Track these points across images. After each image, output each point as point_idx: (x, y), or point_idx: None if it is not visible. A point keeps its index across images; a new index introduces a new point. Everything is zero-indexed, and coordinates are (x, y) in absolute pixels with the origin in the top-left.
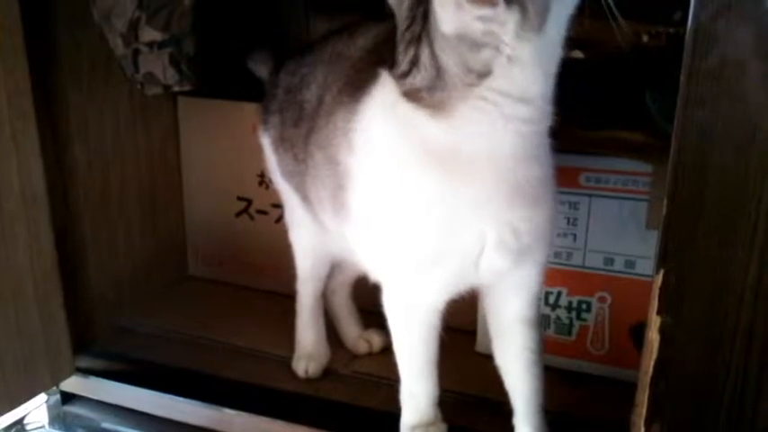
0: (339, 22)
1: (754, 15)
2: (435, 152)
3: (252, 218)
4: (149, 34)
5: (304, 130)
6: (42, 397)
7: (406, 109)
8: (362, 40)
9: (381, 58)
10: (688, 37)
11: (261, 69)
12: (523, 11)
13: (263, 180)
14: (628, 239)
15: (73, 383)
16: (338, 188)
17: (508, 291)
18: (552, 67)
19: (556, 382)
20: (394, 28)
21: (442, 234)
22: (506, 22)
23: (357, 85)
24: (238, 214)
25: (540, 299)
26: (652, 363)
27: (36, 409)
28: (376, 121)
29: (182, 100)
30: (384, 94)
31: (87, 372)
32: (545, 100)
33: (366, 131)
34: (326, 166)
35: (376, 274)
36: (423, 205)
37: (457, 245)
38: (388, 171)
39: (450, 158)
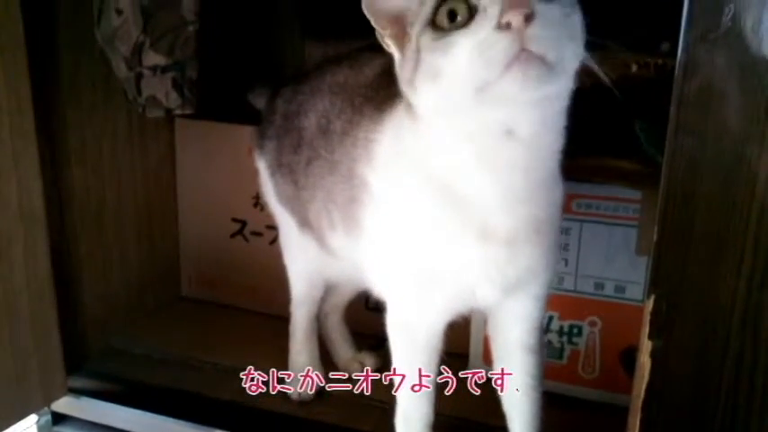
0: (334, 47)
1: (739, 50)
2: (435, 180)
3: (246, 239)
4: (153, 58)
5: (304, 157)
6: (33, 417)
7: (416, 136)
8: (369, 69)
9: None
10: (677, 68)
11: (260, 102)
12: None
13: (258, 202)
14: (618, 265)
15: (64, 404)
16: (351, 202)
17: (509, 319)
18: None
19: (547, 405)
20: None
21: (435, 259)
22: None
23: (380, 100)
24: (233, 235)
25: (541, 328)
26: (644, 386)
27: (26, 430)
28: (393, 136)
29: (178, 122)
30: (402, 113)
31: (79, 392)
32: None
33: (385, 144)
34: (340, 184)
35: (381, 291)
36: (420, 229)
37: (448, 272)
38: (394, 187)
39: (446, 189)
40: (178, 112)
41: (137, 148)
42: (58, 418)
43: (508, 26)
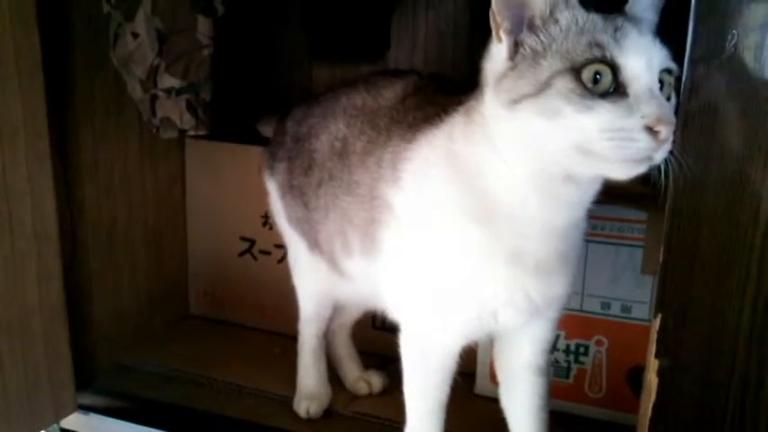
0: (340, 70)
1: (741, 74)
2: (482, 203)
3: (255, 258)
4: (168, 81)
5: (315, 179)
6: None
7: (479, 155)
8: (391, 92)
9: (430, 99)
10: (682, 91)
11: (268, 130)
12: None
13: (267, 221)
14: (624, 285)
15: (74, 420)
16: (370, 222)
17: (521, 340)
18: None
19: (554, 425)
20: (417, 79)
21: (460, 281)
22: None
23: (411, 121)
24: (241, 254)
25: (549, 349)
26: (651, 405)
27: None
28: (428, 155)
29: (189, 142)
30: (451, 133)
31: (88, 409)
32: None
33: (417, 163)
34: (359, 205)
35: (396, 312)
36: (448, 250)
37: (473, 295)
38: (423, 206)
39: (483, 210)
40: (192, 132)
41: (147, 168)
42: None
43: (655, 133)
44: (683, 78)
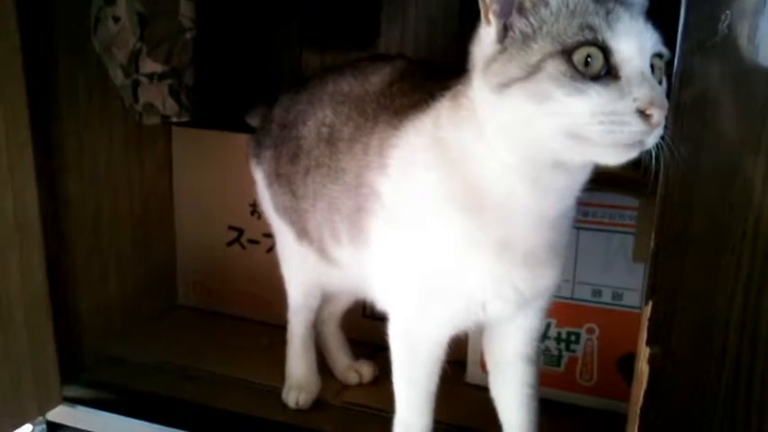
0: (331, 56)
1: (735, 58)
2: (469, 192)
3: (243, 247)
4: (150, 66)
5: (303, 167)
6: (28, 427)
7: (466, 141)
8: (378, 77)
9: (418, 84)
10: (674, 76)
11: (257, 122)
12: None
13: (255, 210)
14: (615, 272)
15: (60, 413)
16: (357, 211)
17: (510, 329)
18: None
19: (544, 413)
20: (405, 65)
21: (447, 272)
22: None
23: (398, 107)
24: (230, 244)
25: (539, 338)
26: (642, 393)
27: None
28: (416, 142)
29: (175, 130)
30: (438, 119)
31: (75, 401)
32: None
33: (405, 150)
34: (346, 193)
35: (385, 302)
36: (436, 240)
37: (460, 285)
38: (410, 194)
39: (472, 199)
40: (175, 119)
41: (133, 156)
42: (54, 428)
43: (648, 117)
44: (676, 60)
